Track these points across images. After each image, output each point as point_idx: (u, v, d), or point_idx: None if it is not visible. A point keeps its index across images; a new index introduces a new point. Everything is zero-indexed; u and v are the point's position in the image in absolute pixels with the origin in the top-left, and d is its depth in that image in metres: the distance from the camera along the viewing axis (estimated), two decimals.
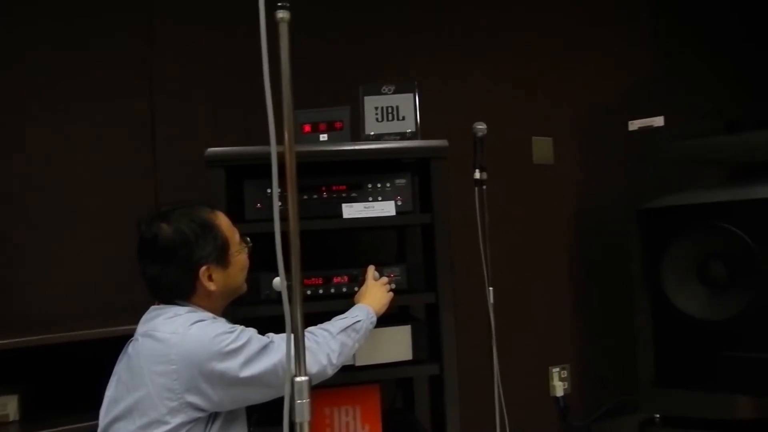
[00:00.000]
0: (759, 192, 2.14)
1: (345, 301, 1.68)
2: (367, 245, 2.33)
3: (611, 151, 2.68)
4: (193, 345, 1.29)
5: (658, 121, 2.46)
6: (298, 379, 0.97)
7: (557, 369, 2.62)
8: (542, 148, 2.70)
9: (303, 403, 0.97)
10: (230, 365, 1.29)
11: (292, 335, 0.98)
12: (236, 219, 1.57)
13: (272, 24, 1.01)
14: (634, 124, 2.46)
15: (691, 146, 2.30)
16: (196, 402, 1.28)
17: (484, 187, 2.05)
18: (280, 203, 1.00)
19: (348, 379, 1.73)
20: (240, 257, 1.50)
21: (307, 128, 1.92)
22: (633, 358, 2.33)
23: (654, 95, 2.81)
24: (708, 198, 2.23)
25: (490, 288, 2.01)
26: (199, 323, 1.34)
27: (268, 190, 1.77)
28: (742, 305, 2.13)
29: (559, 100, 2.74)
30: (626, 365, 2.39)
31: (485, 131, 2.06)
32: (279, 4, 1.02)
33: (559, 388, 2.59)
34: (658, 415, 2.31)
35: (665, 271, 2.27)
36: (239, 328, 1.36)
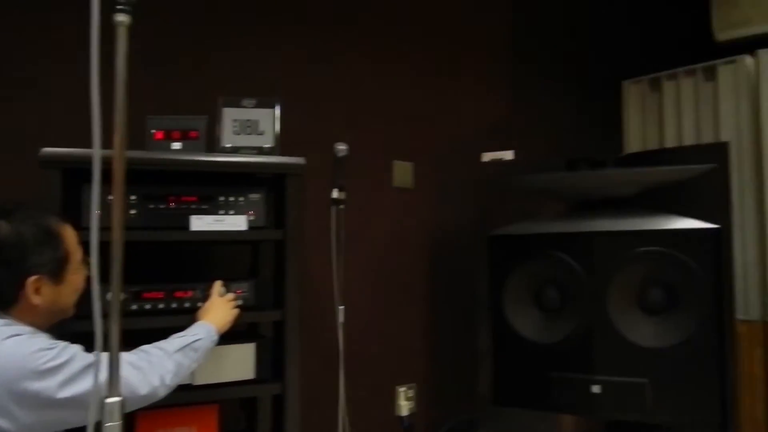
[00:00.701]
0: (590, 226, 2.36)
1: (187, 317, 1.62)
2: (221, 260, 2.27)
3: (466, 179, 2.82)
4: (5, 361, 1.18)
5: (508, 155, 2.64)
6: (109, 400, 0.92)
7: (404, 388, 2.68)
8: (403, 173, 2.79)
9: (113, 426, 0.91)
10: (46, 385, 1.19)
11: (105, 353, 0.92)
12: (73, 226, 1.46)
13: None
14: (487, 156, 2.62)
15: (536, 180, 2.48)
16: (2, 425, 1.17)
17: (342, 206, 2.08)
18: (98, 211, 0.95)
19: (185, 399, 1.66)
20: (76, 277, 1.39)
21: (159, 135, 1.85)
22: (477, 378, 2.45)
23: (507, 132, 3.01)
24: (546, 229, 2.42)
25: (341, 307, 2.04)
26: (14, 337, 1.23)
27: (110, 197, 1.67)
28: (569, 329, 2.32)
29: (422, 128, 2.85)
30: (471, 385, 2.51)
31: (346, 152, 2.10)
32: (119, 6, 0.98)
33: (404, 407, 2.65)
34: None
35: (506, 295, 2.42)
36: (61, 344, 1.26)
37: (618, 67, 3.34)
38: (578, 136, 3.30)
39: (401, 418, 2.64)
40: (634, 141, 3.17)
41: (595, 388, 2.26)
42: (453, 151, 2.94)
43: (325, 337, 2.10)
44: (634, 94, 3.19)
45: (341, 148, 2.10)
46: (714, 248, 2.21)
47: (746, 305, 2.75)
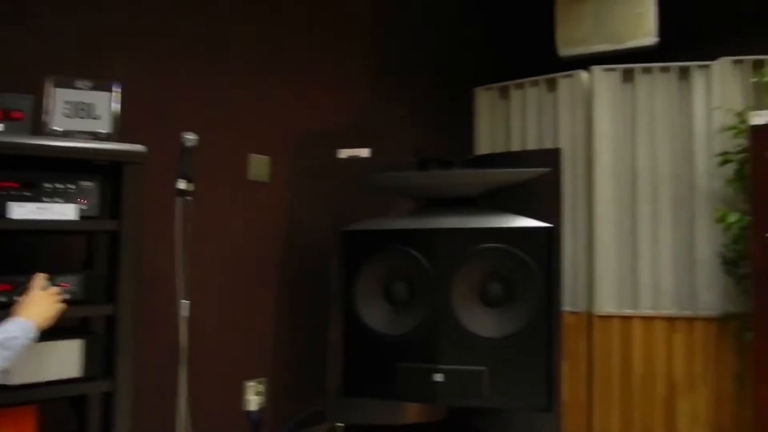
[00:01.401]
0: (438, 223, 2.47)
1: (3, 313, 1.49)
2: (52, 252, 2.11)
3: (323, 174, 2.84)
4: None
5: (365, 152, 2.69)
6: None
7: (253, 383, 2.66)
8: (259, 166, 2.75)
9: None
10: None
11: None
12: None
13: None
14: (343, 153, 2.66)
15: (389, 178, 2.55)
16: None
17: (190, 198, 2.02)
18: None
19: (2, 400, 1.53)
20: None
21: None
22: (328, 371, 2.48)
23: (364, 130, 3.07)
24: (397, 225, 2.50)
25: (186, 301, 1.98)
26: None
27: None
28: (416, 321, 2.42)
29: (280, 123, 2.83)
30: (322, 378, 2.53)
31: (195, 142, 2.04)
32: None
33: (253, 402, 2.63)
34: (341, 424, 2.48)
35: (357, 289, 2.47)
36: None
37: (472, 75, 3.53)
38: (433, 137, 3.44)
39: (249, 412, 2.61)
40: (485, 144, 3.36)
41: (438, 377, 2.37)
42: (311, 147, 2.95)
43: (169, 333, 2.03)
44: (485, 101, 3.38)
45: (189, 137, 2.04)
46: (547, 245, 2.40)
47: (575, 298, 3.01)
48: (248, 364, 2.66)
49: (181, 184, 2.03)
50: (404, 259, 2.46)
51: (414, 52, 3.48)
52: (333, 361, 2.49)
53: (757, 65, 2.87)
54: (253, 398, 2.63)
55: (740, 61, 2.91)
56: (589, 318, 2.98)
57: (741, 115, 2.71)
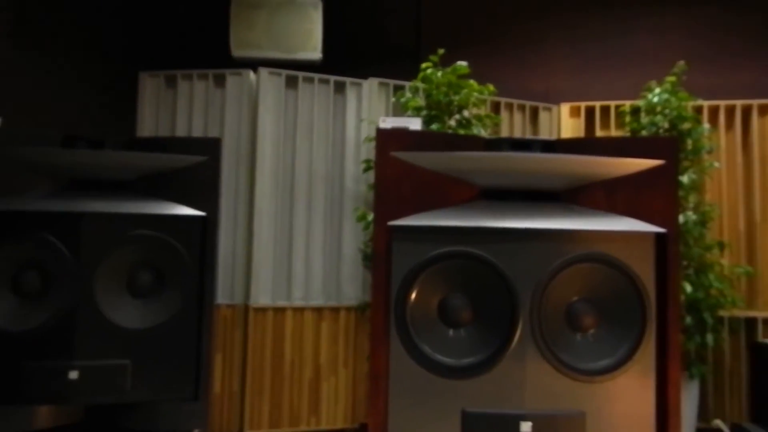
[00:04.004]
0: (82, 206, 2.25)
1: None
2: None
3: None
4: None
5: None
6: None
7: None
8: None
9: None
10: None
11: None
12: None
13: None
14: None
15: (27, 153, 2.25)
16: None
17: None
18: None
19: None
20: None
21: None
22: None
23: None
24: (32, 207, 2.21)
25: None
26: None
27: None
28: (49, 315, 2.16)
29: None
30: None
31: None
32: None
33: None
34: None
35: None
36: None
37: (139, 59, 3.35)
38: (92, 117, 3.16)
39: None
40: (147, 131, 3.22)
41: (73, 375, 2.15)
42: None
43: None
44: (150, 87, 3.24)
45: None
46: (201, 235, 2.39)
47: (233, 292, 3.07)
48: None
49: None
50: (39, 245, 2.18)
51: (72, 20, 3.15)
52: None
53: (398, 88, 3.34)
54: None
55: (385, 84, 3.35)
56: (246, 310, 3.06)
57: None
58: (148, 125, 3.22)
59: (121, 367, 2.22)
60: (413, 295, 1.73)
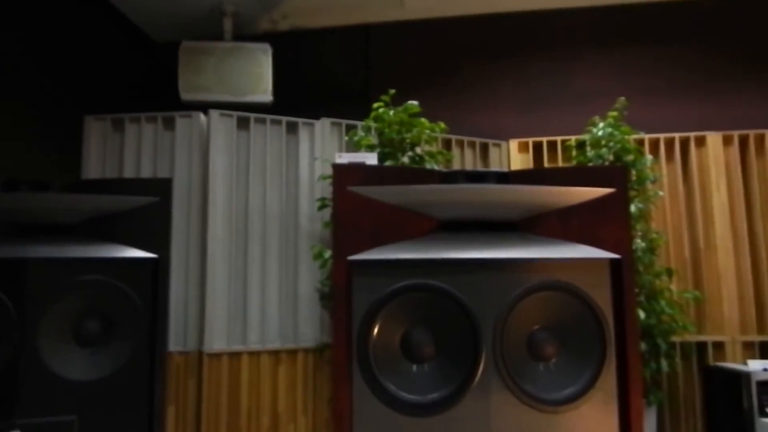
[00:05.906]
0: (24, 252, 2.15)
1: None
2: None
3: None
4: None
5: None
6: None
7: None
8: None
9: None
10: None
11: None
12: None
13: None
14: None
15: None
16: None
17: None
18: None
19: None
20: None
21: None
22: None
23: None
24: None
25: None
26: None
27: None
28: None
29: None
30: None
31: None
32: None
33: None
34: None
35: None
36: None
37: (82, 102, 3.28)
38: (36, 162, 3.04)
39: None
40: (94, 175, 3.13)
41: None
42: None
43: None
44: (96, 130, 3.17)
45: None
46: (153, 278, 2.31)
47: (185, 338, 2.96)
48: None
49: None
50: None
51: (16, 63, 3.07)
52: None
53: (350, 127, 3.36)
54: None
55: (338, 123, 3.37)
56: (200, 357, 2.95)
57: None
58: (94, 169, 3.13)
59: (67, 423, 2.09)
60: (375, 331, 1.70)
